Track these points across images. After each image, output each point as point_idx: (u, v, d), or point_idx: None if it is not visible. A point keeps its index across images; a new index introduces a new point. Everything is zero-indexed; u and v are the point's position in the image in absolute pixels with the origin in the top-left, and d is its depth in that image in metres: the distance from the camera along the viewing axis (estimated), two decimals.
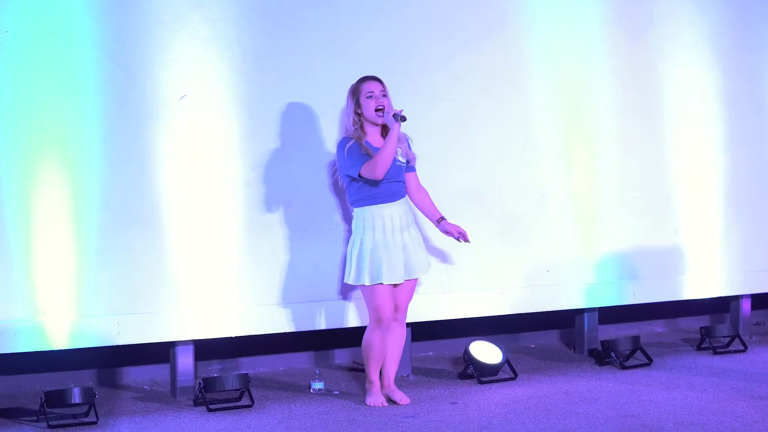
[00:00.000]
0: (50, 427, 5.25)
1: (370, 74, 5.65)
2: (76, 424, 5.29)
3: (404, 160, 5.66)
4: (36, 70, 5.42)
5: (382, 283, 5.55)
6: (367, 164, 5.47)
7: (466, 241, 5.80)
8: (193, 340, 5.81)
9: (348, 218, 6.05)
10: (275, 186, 5.94)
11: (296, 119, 5.98)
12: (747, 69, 7.36)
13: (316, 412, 5.53)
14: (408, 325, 6.22)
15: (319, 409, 5.60)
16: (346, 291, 6.10)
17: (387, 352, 5.71)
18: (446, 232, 5.80)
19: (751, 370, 6.39)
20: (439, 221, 5.81)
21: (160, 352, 5.96)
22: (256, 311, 5.89)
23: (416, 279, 5.74)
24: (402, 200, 5.64)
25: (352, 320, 6.14)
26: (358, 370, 6.34)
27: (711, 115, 7.22)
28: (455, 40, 6.38)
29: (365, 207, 5.57)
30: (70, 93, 5.49)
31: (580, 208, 6.76)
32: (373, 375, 5.69)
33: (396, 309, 5.70)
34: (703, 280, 7.19)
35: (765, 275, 7.41)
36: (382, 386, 5.74)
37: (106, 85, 5.56)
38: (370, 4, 6.17)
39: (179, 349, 5.80)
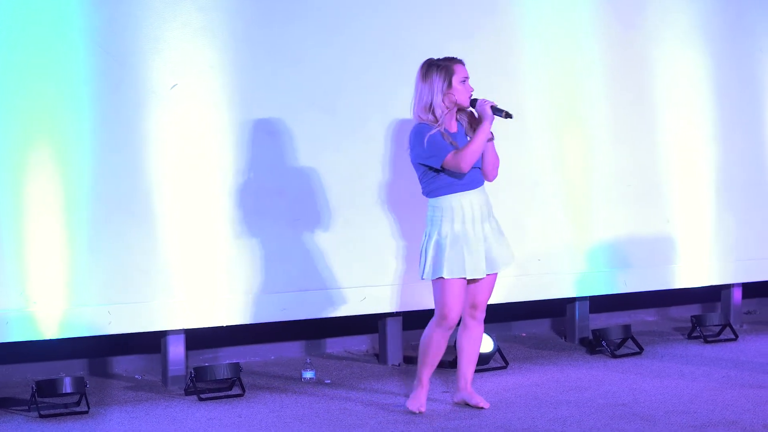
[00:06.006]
0: (41, 416, 5.25)
1: (453, 55, 5.18)
2: (67, 414, 5.29)
3: None
4: (25, 59, 5.39)
5: (461, 278, 5.09)
6: (454, 156, 4.97)
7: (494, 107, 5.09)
8: (184, 329, 5.81)
9: (341, 208, 6.05)
10: (266, 175, 5.92)
11: (287, 108, 5.96)
12: (738, 57, 7.35)
13: (307, 401, 5.54)
14: (399, 314, 6.23)
15: (310, 398, 5.61)
16: (337, 280, 6.09)
17: (463, 353, 5.34)
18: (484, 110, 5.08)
19: (741, 359, 6.40)
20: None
21: (151, 342, 5.96)
22: (247, 301, 5.88)
23: (496, 274, 5.27)
24: (481, 188, 5.18)
25: (343, 309, 6.13)
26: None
27: (703, 104, 7.22)
28: (447, 27, 6.36)
29: (443, 196, 5.07)
30: (60, 82, 5.46)
31: (571, 197, 6.76)
32: (423, 375, 5.25)
33: (474, 307, 5.27)
34: (695, 269, 7.20)
35: (756, 264, 7.42)
36: (458, 389, 5.39)
37: (96, 74, 5.54)
38: None
39: (170, 339, 5.80)
